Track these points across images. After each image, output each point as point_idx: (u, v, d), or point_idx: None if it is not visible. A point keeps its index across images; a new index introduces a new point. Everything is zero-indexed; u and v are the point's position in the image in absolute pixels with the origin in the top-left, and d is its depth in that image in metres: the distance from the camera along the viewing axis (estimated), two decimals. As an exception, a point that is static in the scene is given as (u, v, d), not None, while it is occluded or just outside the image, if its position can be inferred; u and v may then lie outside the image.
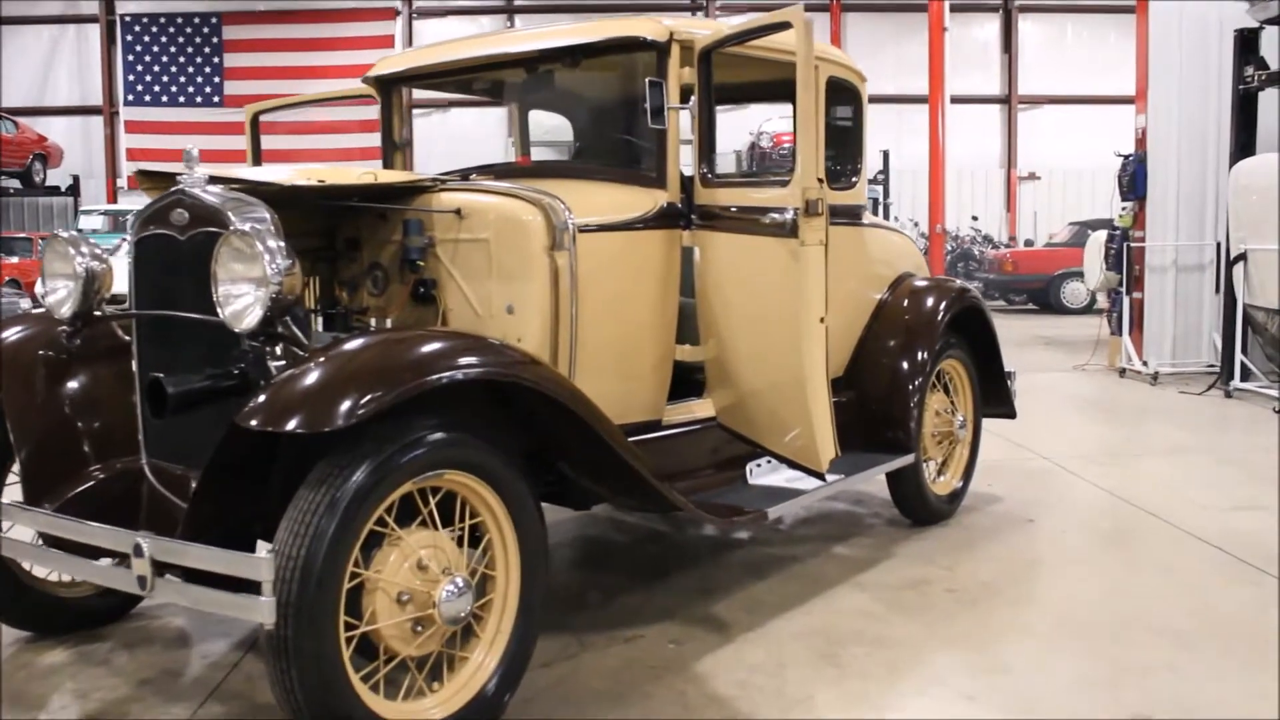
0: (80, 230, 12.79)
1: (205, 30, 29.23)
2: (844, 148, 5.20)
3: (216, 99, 28.30)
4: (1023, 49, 29.06)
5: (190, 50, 29.21)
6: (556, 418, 3.40)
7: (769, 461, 4.56)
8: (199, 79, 28.11)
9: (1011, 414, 6.23)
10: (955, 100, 20.19)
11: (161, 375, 3.15)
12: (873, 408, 5.31)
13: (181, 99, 28.05)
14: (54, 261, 3.78)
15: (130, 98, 28.79)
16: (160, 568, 2.89)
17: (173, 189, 3.55)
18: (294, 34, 27.90)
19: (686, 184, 4.41)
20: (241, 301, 3.22)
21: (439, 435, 3.07)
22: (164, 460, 3.67)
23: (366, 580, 2.97)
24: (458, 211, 4.09)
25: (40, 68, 28.45)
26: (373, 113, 5.45)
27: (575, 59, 4.44)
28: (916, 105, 20.41)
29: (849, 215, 5.10)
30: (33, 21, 28.41)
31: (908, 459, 5.21)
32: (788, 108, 5.02)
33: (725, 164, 10.77)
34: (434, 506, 3.12)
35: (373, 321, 4.22)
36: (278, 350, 3.26)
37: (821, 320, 3.83)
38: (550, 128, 5.69)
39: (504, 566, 3.32)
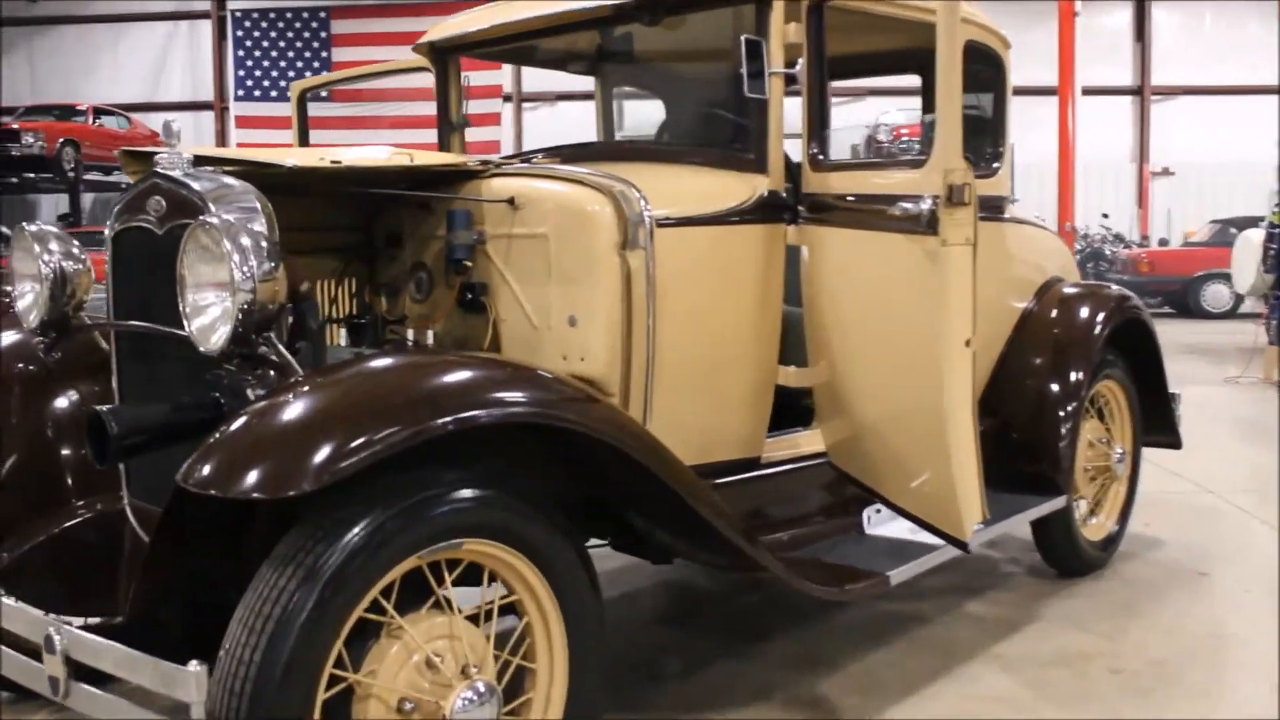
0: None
1: (314, 25, 29.15)
2: (982, 126, 4.33)
3: (324, 94, 28.11)
4: (1156, 37, 27.45)
5: (299, 45, 29.16)
6: (619, 466, 2.64)
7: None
8: (307, 73, 27.98)
9: (1176, 444, 5.29)
10: (1086, 92, 18.98)
11: (105, 409, 2.46)
12: (1015, 438, 4.42)
13: (283, 83, 27.98)
14: (20, 260, 3.13)
15: (240, 93, 28.85)
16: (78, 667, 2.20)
17: (149, 172, 2.87)
18: (401, 28, 27.58)
19: (793, 169, 3.61)
20: (209, 314, 2.52)
21: (457, 492, 2.33)
22: (145, 501, 3.01)
23: (356, 685, 2.24)
24: (511, 201, 3.35)
25: (154, 64, 28.62)
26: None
27: (656, 15, 3.65)
28: (1041, 97, 19.24)
29: (990, 208, 4.21)
30: (147, 19, 28.62)
31: (1058, 503, 4.32)
32: (908, 100, 4.10)
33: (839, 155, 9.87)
34: (450, 584, 2.37)
35: (409, 334, 3.50)
36: (259, 376, 2.54)
37: (968, 344, 2.98)
38: (646, 115, 4.91)
39: (546, 658, 2.57)
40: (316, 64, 27.94)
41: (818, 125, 3.38)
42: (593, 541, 3.29)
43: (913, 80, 4.85)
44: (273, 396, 2.26)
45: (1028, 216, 4.99)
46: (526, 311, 3.37)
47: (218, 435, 2.16)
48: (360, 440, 2.10)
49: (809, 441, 3.68)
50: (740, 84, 3.32)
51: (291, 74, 28.04)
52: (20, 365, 3.30)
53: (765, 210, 3.45)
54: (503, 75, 24.04)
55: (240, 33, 27.75)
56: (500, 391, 2.37)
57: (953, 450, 2.98)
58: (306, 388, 2.27)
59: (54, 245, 3.09)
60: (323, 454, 2.06)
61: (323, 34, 28.20)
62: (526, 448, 2.62)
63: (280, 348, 2.57)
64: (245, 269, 2.45)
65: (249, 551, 2.42)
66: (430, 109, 4.54)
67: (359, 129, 23.36)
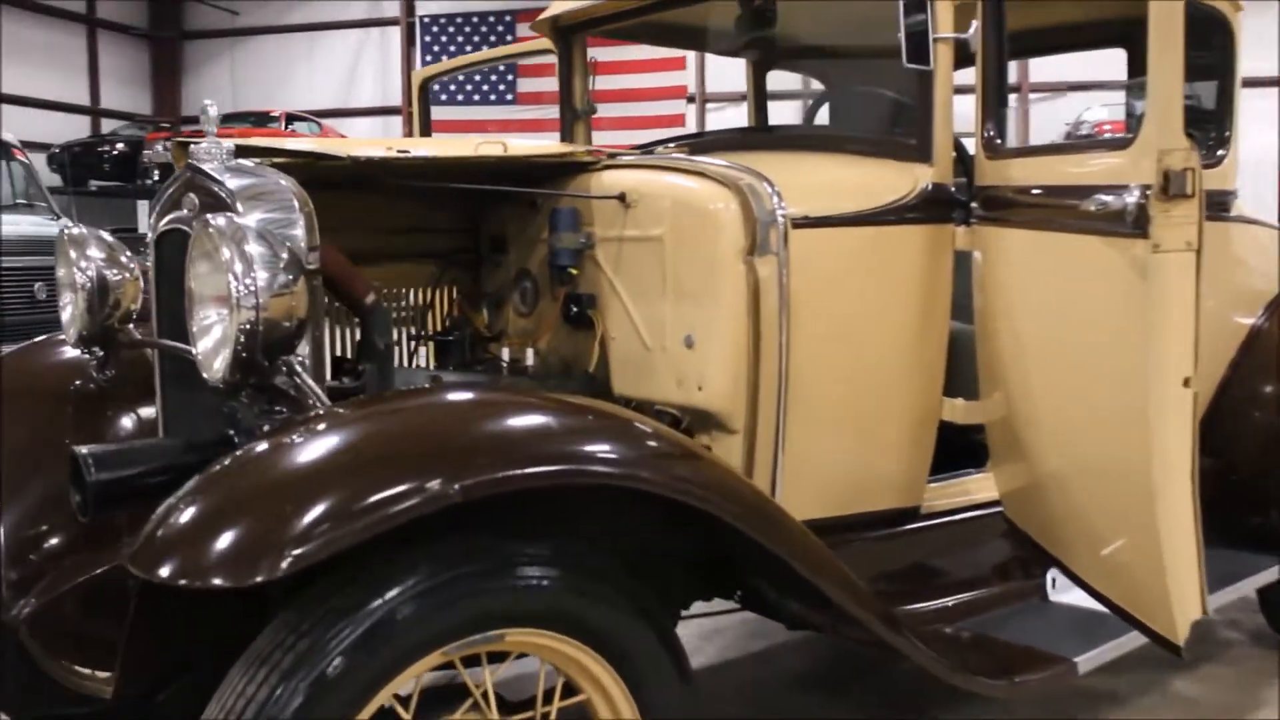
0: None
1: (500, 29, 29.42)
2: (1205, 115, 3.58)
3: (510, 96, 28.35)
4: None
5: (485, 49, 29.42)
6: (724, 530, 2.08)
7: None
8: (493, 77, 28.22)
9: None
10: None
11: (85, 450, 2.04)
12: (1239, 483, 3.65)
13: (476, 97, 28.24)
14: (62, 267, 2.76)
15: (438, 88, 29.22)
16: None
17: (186, 165, 2.46)
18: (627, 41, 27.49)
19: (965, 158, 2.97)
20: (211, 335, 2.08)
21: (501, 570, 1.82)
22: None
23: (366, 813, 1.75)
24: (621, 197, 2.83)
25: (346, 71, 29.29)
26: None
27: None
28: (1257, 90, 17.69)
29: (1214, 205, 3.47)
30: (341, 27, 29.30)
31: (1294, 563, 3.54)
32: (1115, 96, 3.36)
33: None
34: (490, 683, 1.86)
35: (504, 353, 3.02)
36: (277, 411, 2.09)
37: (1187, 383, 2.28)
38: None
39: (622, 772, 2.03)
40: (502, 67, 28.11)
41: (995, 103, 2.73)
42: (717, 603, 2.76)
43: (1119, 66, 4.10)
44: (261, 442, 1.79)
45: (1255, 215, 4.20)
46: (638, 328, 2.84)
47: (171, 499, 1.70)
48: (354, 506, 1.61)
49: (981, 487, 3.04)
50: (898, 53, 2.71)
51: (477, 77, 28.31)
52: (77, 383, 2.96)
53: (928, 207, 2.82)
54: (687, 75, 23.68)
55: (428, 38, 28.17)
56: (555, 445, 1.85)
57: (1163, 522, 2.28)
58: (303, 431, 1.79)
59: (94, 250, 2.71)
60: (300, 526, 1.57)
61: (508, 38, 28.35)
62: (607, 506, 2.09)
63: (304, 377, 2.10)
64: (248, 282, 1.99)
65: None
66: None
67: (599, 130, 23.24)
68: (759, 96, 4.20)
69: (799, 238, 2.66)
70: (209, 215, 2.11)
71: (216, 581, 1.55)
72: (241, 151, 2.48)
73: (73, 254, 2.69)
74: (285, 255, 2.08)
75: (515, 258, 3.24)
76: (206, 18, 27.08)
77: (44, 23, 22.21)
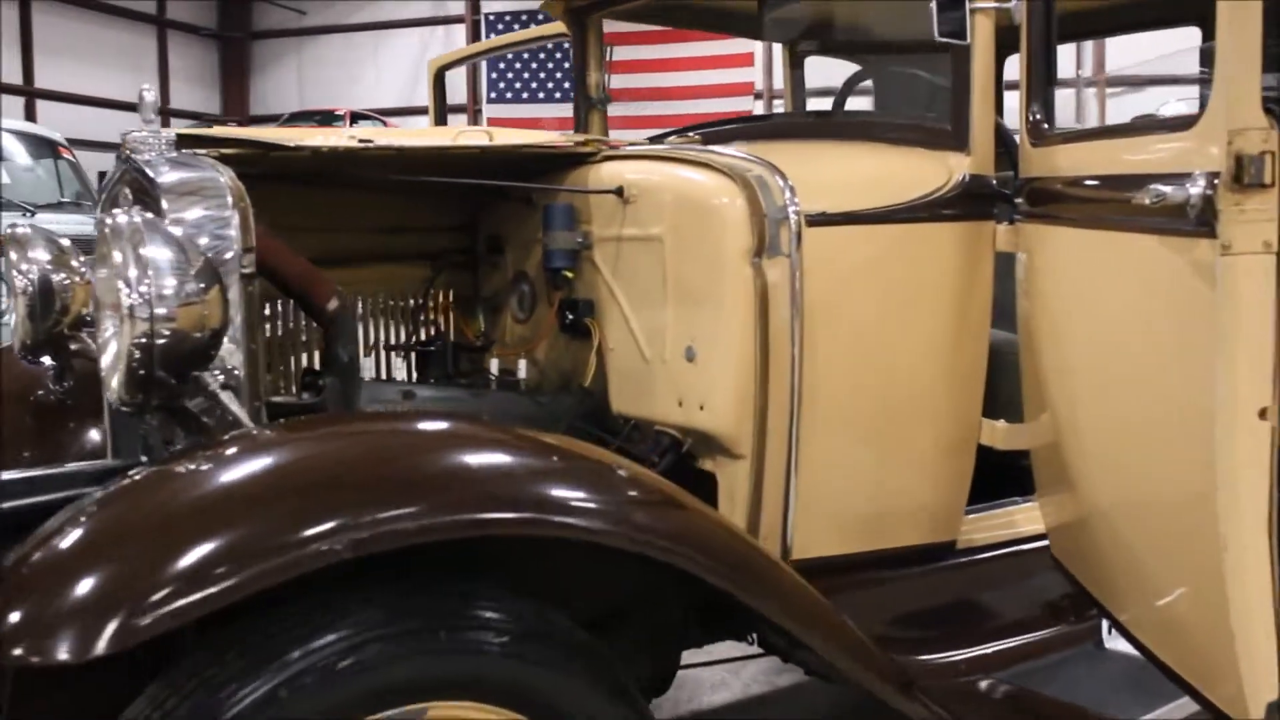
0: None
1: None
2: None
3: (603, 97, 28.16)
4: None
5: (550, 46, 29.18)
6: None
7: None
8: (558, 74, 28.05)
9: None
10: None
11: None
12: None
13: (541, 95, 28.06)
14: (7, 270, 2.53)
15: (492, 95, 29.23)
16: None
17: (121, 157, 2.21)
18: (651, 25, 27.20)
19: (1009, 145, 2.63)
20: (110, 350, 1.81)
21: (428, 628, 1.53)
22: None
23: None
24: (619, 191, 2.53)
25: (412, 69, 29.29)
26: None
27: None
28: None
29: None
30: (406, 25, 29.35)
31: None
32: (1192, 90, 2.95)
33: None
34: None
35: (493, 364, 2.74)
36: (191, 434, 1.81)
37: (1263, 415, 1.89)
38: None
39: None
40: (567, 64, 27.84)
41: (1041, 81, 2.38)
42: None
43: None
44: (135, 476, 1.52)
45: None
46: (637, 339, 2.54)
47: (19, 548, 1.43)
48: (216, 566, 1.32)
49: (1026, 518, 2.69)
50: (930, 24, 2.37)
51: (542, 74, 28.16)
52: (38, 393, 2.73)
53: (965, 202, 2.48)
54: (754, 73, 23.35)
55: (493, 35, 28.07)
56: (488, 487, 1.56)
57: (1233, 578, 1.90)
58: (193, 463, 1.51)
59: (38, 252, 2.47)
60: (148, 588, 1.29)
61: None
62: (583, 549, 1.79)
63: (221, 398, 1.83)
64: (143, 289, 1.71)
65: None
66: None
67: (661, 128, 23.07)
68: (795, 83, 3.87)
69: (815, 237, 2.34)
70: (108, 214, 1.84)
71: (45, 658, 1.27)
72: (187, 142, 2.22)
73: (14, 255, 2.45)
74: (199, 259, 1.81)
75: (513, 259, 2.95)
76: (274, 18, 27.22)
77: (115, 24, 22.40)
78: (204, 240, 1.97)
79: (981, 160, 2.48)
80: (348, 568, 1.44)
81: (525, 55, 28.35)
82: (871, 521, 2.51)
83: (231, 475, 1.50)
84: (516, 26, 28.05)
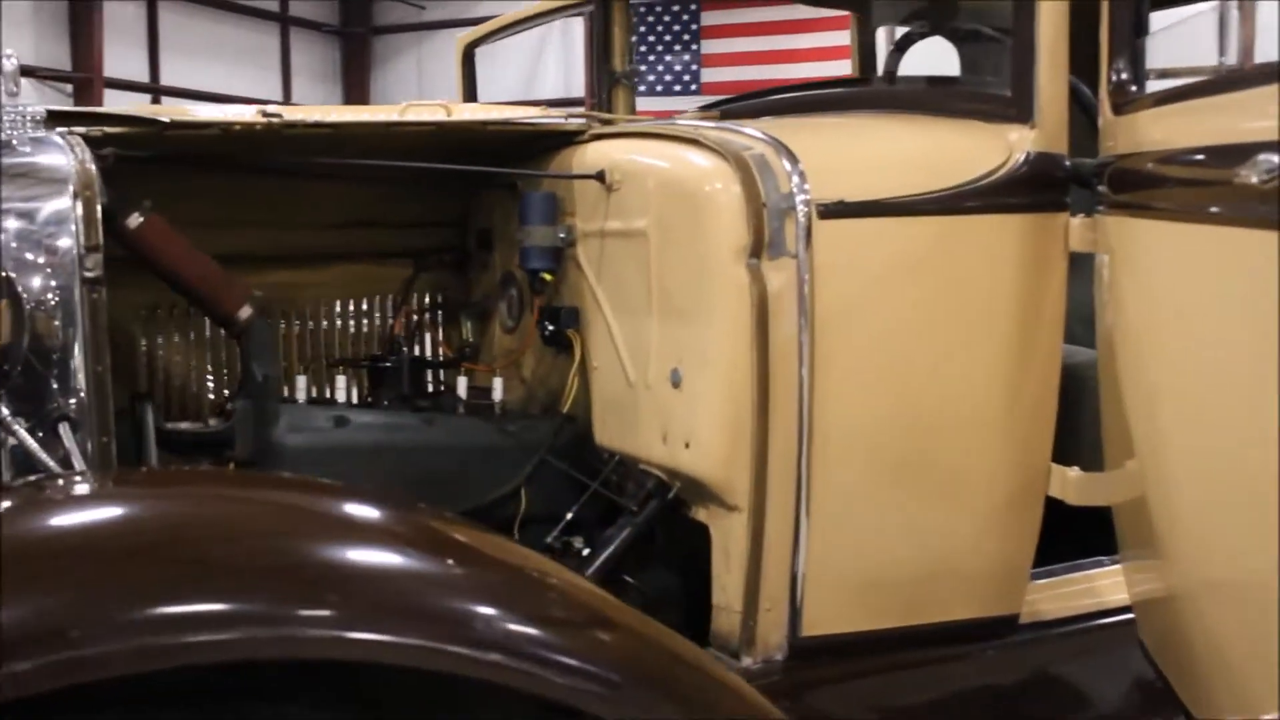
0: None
1: (684, 17, 28.80)
2: None
3: (695, 87, 27.75)
4: None
5: (669, 39, 28.95)
6: None
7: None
8: (677, 67, 27.63)
9: None
10: None
11: None
12: None
13: (659, 88, 27.67)
14: None
15: (609, 90, 28.97)
16: None
17: None
18: (775, 16, 26.69)
19: (1088, 111, 2.09)
20: None
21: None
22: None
23: None
24: (600, 176, 2.07)
25: (530, 62, 29.23)
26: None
27: None
28: None
29: None
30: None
31: None
32: None
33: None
34: None
35: (459, 384, 2.29)
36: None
37: None
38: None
39: None
40: (686, 56, 27.50)
41: (1127, 32, 1.82)
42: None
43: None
44: None
45: None
46: (621, 356, 2.08)
47: None
48: None
49: (1108, 585, 2.14)
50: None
51: (660, 67, 27.77)
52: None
53: (1029, 187, 1.94)
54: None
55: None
56: (340, 598, 1.11)
57: None
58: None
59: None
60: None
61: (693, 26, 27.72)
62: None
63: (19, 433, 1.43)
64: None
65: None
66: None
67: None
68: (863, 44, 3.30)
69: (829, 232, 1.85)
70: None
71: None
72: (61, 119, 1.84)
73: None
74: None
75: (501, 257, 2.52)
76: (395, 13, 27.37)
77: (239, 22, 22.69)
78: (36, 234, 1.58)
79: (1051, 134, 1.94)
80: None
81: (643, 47, 27.99)
82: (908, 590, 2.00)
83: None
84: (634, 19, 27.64)
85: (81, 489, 1.34)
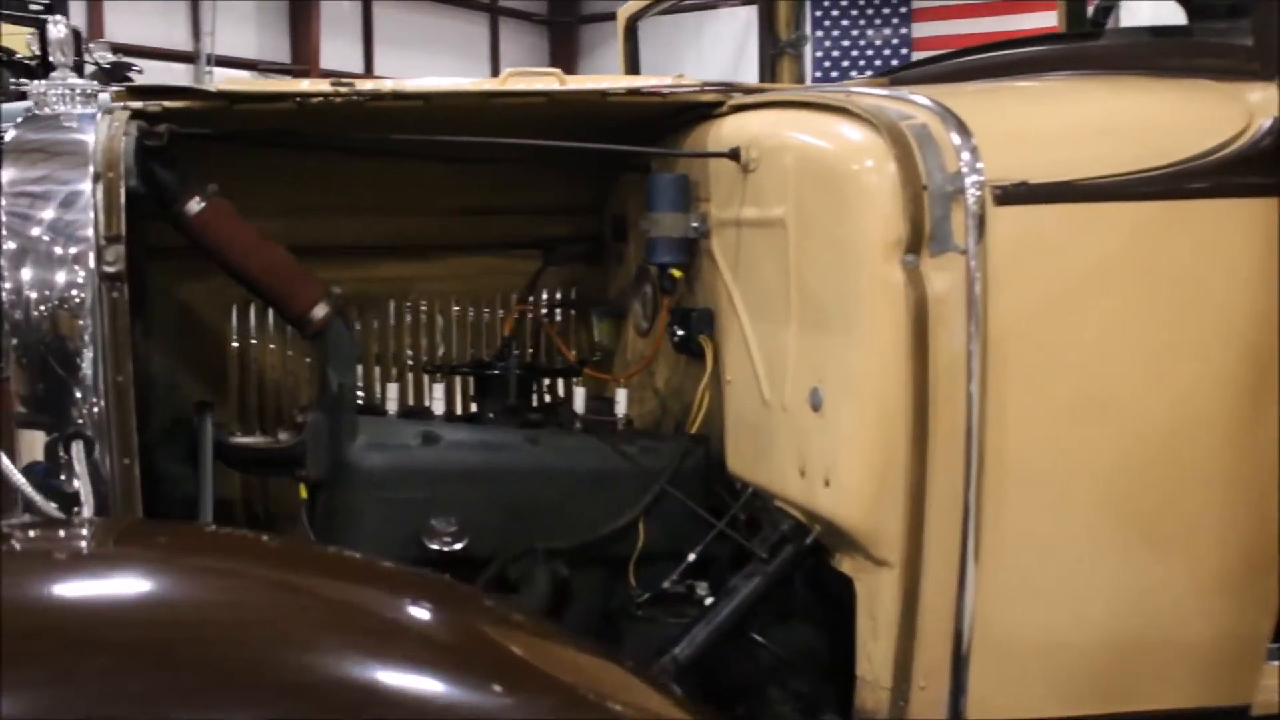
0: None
1: (894, 1, 28.01)
2: None
3: (906, 52, 27.04)
4: None
5: (878, 22, 28.21)
6: None
7: None
8: (886, 51, 26.89)
9: None
10: None
11: None
12: None
13: (878, 63, 27.03)
14: None
15: (818, 74, 28.48)
16: None
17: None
18: (988, -7, 25.62)
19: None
20: None
21: None
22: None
23: None
24: (734, 154, 1.73)
25: (734, 50, 28.99)
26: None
27: None
28: None
29: None
30: (732, 3, 29.04)
31: None
32: None
33: None
34: None
35: (577, 395, 1.99)
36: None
37: None
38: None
39: None
40: (895, 40, 26.69)
41: None
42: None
43: None
44: None
45: None
46: (756, 369, 1.74)
47: None
48: None
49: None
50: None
51: (870, 52, 27.04)
52: None
53: (1274, 162, 1.51)
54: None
55: (819, 13, 27.19)
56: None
57: None
58: None
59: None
60: None
61: (902, 9, 26.86)
62: None
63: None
64: None
65: None
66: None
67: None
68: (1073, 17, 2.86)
69: (1008, 222, 1.48)
70: None
71: None
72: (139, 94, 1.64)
73: None
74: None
75: (636, 249, 2.21)
76: (602, 2, 27.52)
77: (450, 13, 23.14)
78: (46, 221, 1.36)
79: (1306, 94, 1.50)
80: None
81: (854, 32, 27.29)
82: (1107, 669, 1.60)
83: None
84: (845, 3, 27.04)
85: (63, 551, 1.10)
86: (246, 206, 1.76)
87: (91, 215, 1.38)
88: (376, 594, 1.04)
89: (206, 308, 2.06)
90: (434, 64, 22.75)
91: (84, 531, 1.21)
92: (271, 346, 2.13)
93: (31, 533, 1.17)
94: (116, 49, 8.73)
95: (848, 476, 1.53)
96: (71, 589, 1.02)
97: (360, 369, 2.15)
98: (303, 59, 18.03)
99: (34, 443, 1.40)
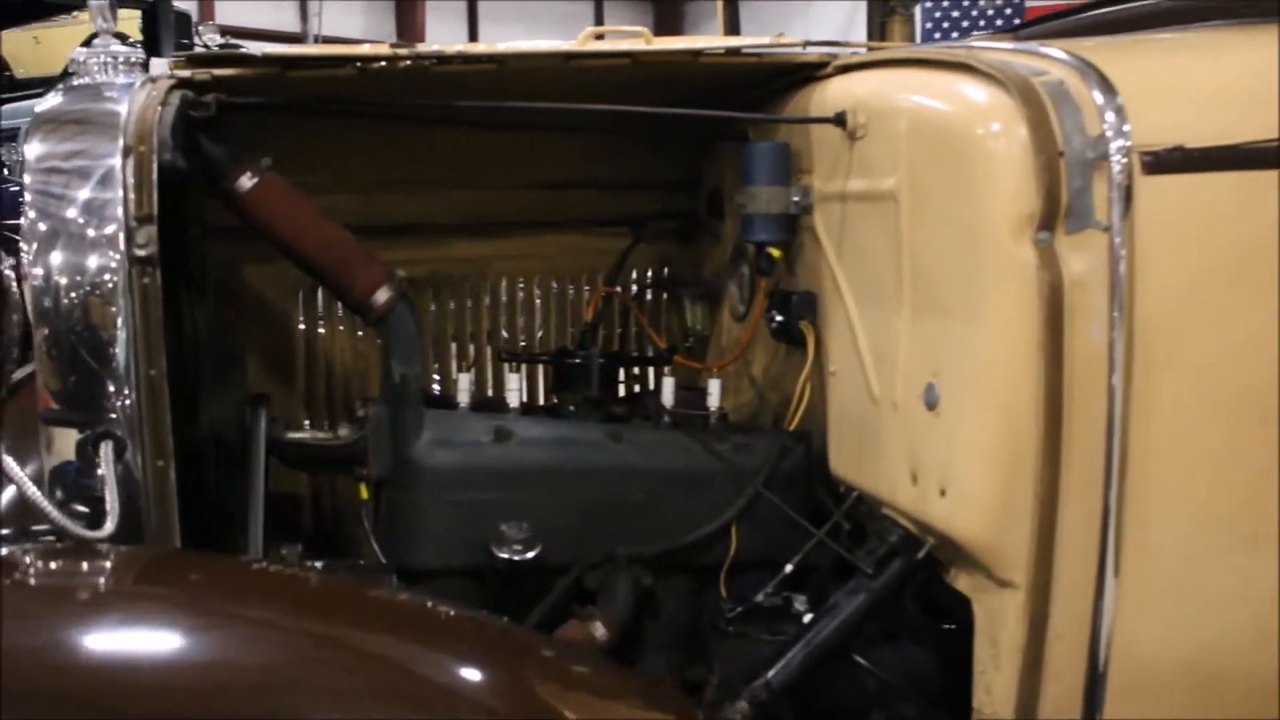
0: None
1: (1002, -7, 27.23)
2: None
3: (1017, 20, 26.29)
4: None
5: (990, 12, 27.50)
6: None
7: None
8: (998, 21, 26.18)
9: None
10: None
11: None
12: None
13: (983, 23, 26.33)
14: None
15: (929, 24, 27.93)
16: None
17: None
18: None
19: None
20: None
21: None
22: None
23: None
24: (840, 119, 1.55)
25: (839, 35, 28.44)
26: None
27: None
28: None
29: None
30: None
31: None
32: None
33: None
34: None
35: (666, 387, 1.83)
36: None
37: None
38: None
39: None
40: (1008, 10, 25.95)
41: None
42: None
43: None
44: None
45: None
46: (863, 361, 1.56)
47: None
48: None
49: None
50: None
51: (982, 22, 26.34)
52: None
53: None
54: None
55: (930, 3, 26.55)
56: None
57: None
58: None
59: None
60: None
61: (1015, -4, 26.12)
62: None
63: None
64: None
65: None
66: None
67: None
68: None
69: (1161, 193, 1.27)
70: None
71: None
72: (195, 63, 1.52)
73: None
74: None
75: (733, 226, 2.03)
76: (707, -22, 27.22)
77: (559, -10, 23.10)
78: (80, 200, 1.24)
79: None
80: None
81: (964, 23, 26.60)
82: (1262, 694, 1.39)
83: None
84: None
85: (76, 589, 0.98)
86: (306, 183, 1.64)
87: (118, 193, 1.25)
88: (425, 651, 0.90)
89: (272, 291, 1.94)
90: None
91: (103, 564, 1.07)
92: (341, 330, 2.01)
93: (43, 563, 1.04)
94: (225, 31, 8.80)
95: (967, 484, 1.34)
96: (82, 641, 0.89)
97: (430, 357, 2.02)
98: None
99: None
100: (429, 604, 1.05)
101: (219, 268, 1.84)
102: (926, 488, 1.41)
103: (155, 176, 1.26)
